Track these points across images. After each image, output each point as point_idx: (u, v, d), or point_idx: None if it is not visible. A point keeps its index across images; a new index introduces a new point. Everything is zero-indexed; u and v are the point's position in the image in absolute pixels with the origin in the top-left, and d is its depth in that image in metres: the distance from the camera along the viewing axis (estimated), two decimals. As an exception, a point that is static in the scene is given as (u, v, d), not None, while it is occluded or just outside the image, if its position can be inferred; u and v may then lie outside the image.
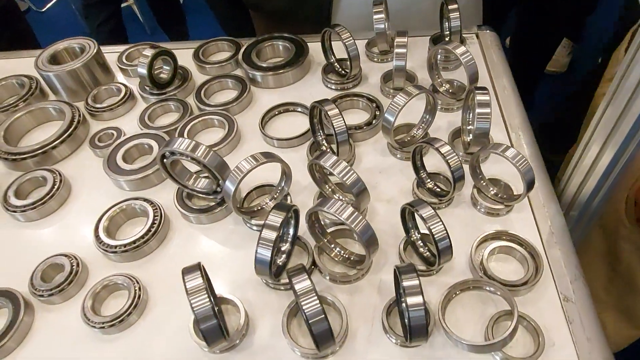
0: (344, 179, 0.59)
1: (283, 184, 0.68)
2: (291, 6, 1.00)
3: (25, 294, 0.62)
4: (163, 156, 0.66)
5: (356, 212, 0.54)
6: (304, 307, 0.46)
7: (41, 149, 0.80)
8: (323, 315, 0.47)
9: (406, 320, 0.50)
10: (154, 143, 0.79)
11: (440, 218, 0.54)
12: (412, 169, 0.70)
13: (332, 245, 0.62)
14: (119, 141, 0.80)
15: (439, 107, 0.80)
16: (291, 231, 0.63)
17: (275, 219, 0.54)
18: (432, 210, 0.54)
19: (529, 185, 0.60)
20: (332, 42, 0.91)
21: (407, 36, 0.79)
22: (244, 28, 1.69)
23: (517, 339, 0.53)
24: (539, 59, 1.76)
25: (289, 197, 0.70)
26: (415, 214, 0.55)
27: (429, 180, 0.69)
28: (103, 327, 0.58)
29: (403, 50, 0.78)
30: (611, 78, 0.72)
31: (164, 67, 0.92)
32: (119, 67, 1.00)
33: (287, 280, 0.59)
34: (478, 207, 0.67)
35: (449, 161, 0.61)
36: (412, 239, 0.62)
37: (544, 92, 2.01)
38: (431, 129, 0.76)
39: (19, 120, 0.86)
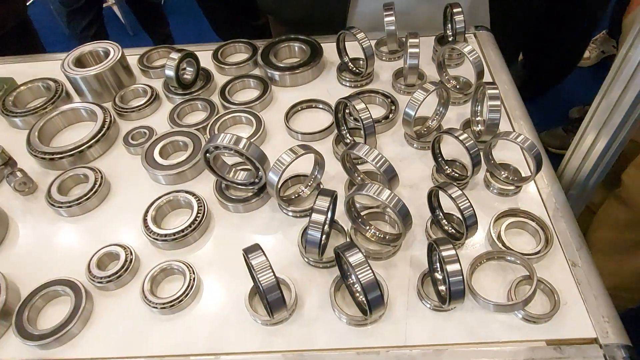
0: (378, 165, 0.66)
1: (316, 173, 0.75)
2: (309, 13, 1.06)
3: (83, 282, 0.67)
4: (207, 151, 0.72)
5: (393, 193, 0.61)
6: (360, 277, 0.53)
7: (77, 149, 0.84)
8: (377, 284, 0.53)
9: (445, 286, 0.57)
10: (187, 140, 0.84)
11: (467, 197, 0.61)
12: (430, 157, 0.77)
13: (366, 227, 0.69)
14: (153, 138, 0.85)
15: (448, 101, 0.88)
16: (330, 215, 0.69)
17: (323, 203, 0.60)
18: (460, 190, 0.62)
19: (538, 166, 0.68)
20: (346, 43, 0.98)
21: (419, 37, 0.86)
22: (237, 32, 1.74)
23: (535, 300, 0.61)
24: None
25: (320, 186, 0.76)
26: (444, 193, 0.63)
27: (446, 166, 0.76)
28: (164, 308, 0.63)
29: (416, 50, 0.85)
30: None
31: (188, 68, 0.97)
32: (140, 69, 1.04)
33: (328, 259, 0.66)
34: (491, 189, 0.75)
35: (468, 147, 0.68)
36: (437, 218, 0.69)
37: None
38: (442, 120, 0.84)
39: (51, 121, 0.90)
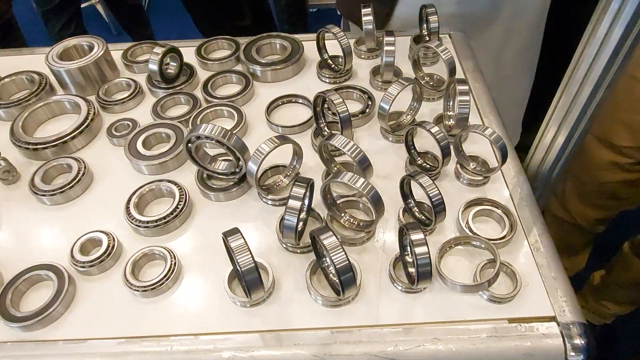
0: (353, 155, 0.70)
1: (295, 163, 0.78)
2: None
3: (66, 267, 0.69)
4: (189, 141, 0.74)
5: (367, 181, 0.65)
6: (334, 259, 0.56)
7: (60, 139, 0.86)
8: (350, 265, 0.57)
9: (414, 267, 0.61)
10: (170, 132, 0.86)
11: (436, 185, 0.65)
12: (404, 150, 0.81)
13: (342, 214, 0.72)
14: (137, 130, 0.87)
15: (422, 97, 0.92)
16: (306, 202, 0.73)
17: (299, 190, 0.64)
18: (430, 179, 0.65)
19: (504, 158, 0.73)
20: (325, 41, 1.01)
21: (395, 36, 0.90)
22: (223, 32, 1.76)
23: (499, 281, 0.65)
24: None
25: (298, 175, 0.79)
26: (415, 182, 0.66)
27: (419, 158, 0.80)
28: (145, 291, 0.66)
29: (392, 48, 0.89)
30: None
31: (171, 63, 0.99)
32: (124, 63, 1.06)
33: (305, 244, 0.69)
34: (461, 180, 0.79)
35: (438, 140, 0.72)
36: (409, 205, 0.73)
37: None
38: (417, 115, 0.88)
39: (35, 112, 0.91)
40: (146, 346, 0.62)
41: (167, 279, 0.66)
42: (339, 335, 0.62)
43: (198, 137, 0.73)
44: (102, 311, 0.66)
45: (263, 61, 1.01)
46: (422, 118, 0.91)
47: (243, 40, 1.08)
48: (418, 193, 0.72)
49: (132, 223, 0.73)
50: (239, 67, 1.06)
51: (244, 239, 0.59)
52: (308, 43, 1.05)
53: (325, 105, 0.86)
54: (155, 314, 0.66)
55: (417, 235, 0.59)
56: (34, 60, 1.07)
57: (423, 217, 0.72)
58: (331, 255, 0.57)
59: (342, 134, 0.78)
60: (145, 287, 0.66)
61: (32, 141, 0.86)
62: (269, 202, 0.78)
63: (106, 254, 0.69)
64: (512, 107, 1.41)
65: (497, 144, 0.72)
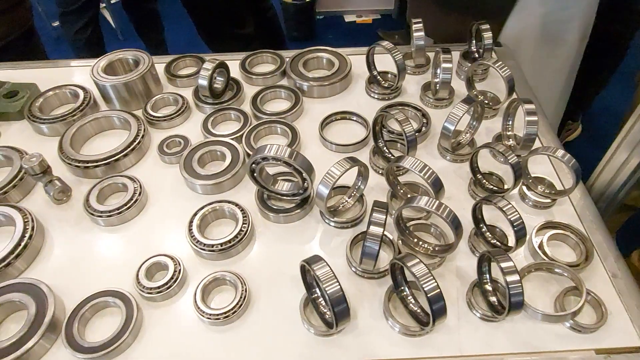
0: (426, 176, 0.68)
1: (359, 184, 0.76)
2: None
3: (132, 294, 0.66)
4: (254, 162, 0.72)
5: (444, 205, 0.63)
6: (425, 287, 0.54)
7: (112, 157, 0.83)
8: (441, 294, 0.55)
9: (495, 296, 0.59)
10: (225, 150, 0.84)
11: (516, 208, 0.63)
12: (463, 170, 0.80)
13: (413, 239, 0.71)
14: (190, 147, 0.84)
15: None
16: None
17: (380, 216, 0.62)
18: (509, 202, 0.64)
19: (578, 179, 0.71)
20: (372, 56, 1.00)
21: (451, 53, 0.89)
22: (225, 39, 1.75)
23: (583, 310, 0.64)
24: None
25: (364, 197, 0.77)
26: (493, 206, 0.65)
27: (484, 180, 0.79)
28: (217, 319, 0.63)
29: (449, 66, 0.88)
30: None
31: (218, 78, 0.97)
32: (167, 77, 1.04)
33: (379, 270, 0.67)
34: (526, 201, 0.78)
35: (512, 163, 0.71)
36: (481, 230, 0.71)
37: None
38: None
39: (82, 128, 0.89)
40: (223, 378, 0.60)
41: (239, 307, 0.64)
42: (423, 366, 0.60)
43: (264, 159, 0.71)
44: (170, 340, 0.64)
45: (310, 76, 1.00)
46: (478, 136, 0.89)
47: (288, 55, 1.06)
48: (487, 216, 0.70)
49: (196, 246, 0.71)
50: (284, 82, 1.04)
51: (329, 266, 0.57)
52: (354, 57, 1.04)
53: (382, 124, 0.84)
54: (227, 343, 0.63)
55: (506, 263, 0.57)
56: (69, 73, 1.05)
57: (496, 241, 0.70)
58: (421, 283, 0.55)
59: (407, 154, 0.77)
60: (217, 315, 0.63)
61: (82, 159, 0.83)
62: (332, 224, 0.76)
63: (173, 280, 0.67)
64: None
65: (571, 166, 0.71)
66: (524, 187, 0.78)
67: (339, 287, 0.55)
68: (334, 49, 1.05)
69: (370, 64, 0.99)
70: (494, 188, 0.78)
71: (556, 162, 0.83)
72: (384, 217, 0.62)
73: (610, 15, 1.34)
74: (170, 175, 0.85)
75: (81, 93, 0.96)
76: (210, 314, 0.63)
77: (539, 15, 1.12)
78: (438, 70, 0.97)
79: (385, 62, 1.00)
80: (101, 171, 0.84)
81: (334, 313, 0.55)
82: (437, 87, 0.94)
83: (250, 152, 0.84)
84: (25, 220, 0.73)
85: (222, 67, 0.95)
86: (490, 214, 0.73)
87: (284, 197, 0.76)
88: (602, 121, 2.21)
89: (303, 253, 0.73)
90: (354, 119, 0.93)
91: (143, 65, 0.96)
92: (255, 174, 0.75)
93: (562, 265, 0.66)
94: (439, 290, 0.55)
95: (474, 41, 1.02)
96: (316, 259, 0.58)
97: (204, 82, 0.92)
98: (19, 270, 0.71)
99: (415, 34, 0.97)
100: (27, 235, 0.72)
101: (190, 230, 0.72)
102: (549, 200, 0.76)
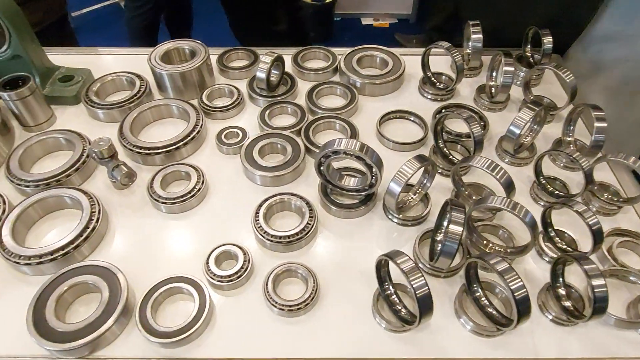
0: (498, 176, 0.68)
1: (425, 181, 0.76)
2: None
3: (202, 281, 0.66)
4: (323, 156, 0.72)
5: (520, 204, 0.63)
6: (511, 286, 0.54)
7: (173, 146, 0.83)
8: (528, 296, 0.55)
9: (569, 301, 0.59)
10: (285, 143, 0.84)
11: (593, 212, 0.63)
12: (523, 173, 0.81)
13: (483, 240, 0.70)
14: (250, 139, 0.84)
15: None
16: (445, 223, 0.71)
17: (459, 215, 0.61)
18: (585, 206, 0.63)
19: (648, 188, 0.71)
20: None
21: (514, 57, 0.89)
22: (258, 35, 1.76)
23: (655, 317, 0.64)
24: None
25: (427, 195, 0.77)
26: (570, 209, 0.64)
27: (548, 185, 0.78)
28: (291, 310, 0.63)
29: (511, 69, 0.88)
30: None
31: (274, 71, 0.97)
32: (220, 68, 1.04)
33: (450, 269, 0.67)
34: (590, 207, 0.77)
35: (585, 169, 0.70)
36: (550, 235, 0.71)
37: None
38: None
39: (142, 115, 0.89)
40: (297, 369, 0.60)
41: (312, 299, 0.64)
42: (498, 367, 0.60)
43: (335, 152, 0.71)
44: (241, 330, 0.64)
45: (366, 73, 1.00)
46: (536, 141, 0.89)
47: (340, 51, 1.06)
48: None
49: (263, 237, 0.70)
50: (335, 78, 1.04)
51: (413, 261, 0.57)
52: (407, 57, 1.04)
53: (444, 122, 0.84)
54: (296, 335, 0.63)
55: (591, 266, 0.57)
56: (115, 60, 1.06)
57: (564, 245, 0.70)
58: (508, 282, 0.54)
59: (474, 153, 0.77)
60: (290, 306, 0.63)
61: (143, 145, 0.83)
62: (395, 220, 0.76)
63: (244, 269, 0.67)
64: None
65: (641, 174, 0.71)
66: (589, 194, 0.78)
67: (424, 281, 0.55)
68: (387, 49, 1.05)
69: (425, 65, 0.99)
70: (559, 193, 0.77)
71: (617, 170, 0.83)
72: (464, 216, 0.62)
73: None
74: (229, 165, 0.85)
75: (137, 81, 0.96)
76: (282, 305, 0.63)
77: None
78: (494, 73, 0.97)
79: (441, 63, 1.00)
80: (160, 159, 0.84)
81: (419, 308, 0.55)
82: (494, 90, 0.94)
83: (310, 146, 0.84)
84: (92, 204, 0.73)
85: (279, 61, 0.95)
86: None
87: (349, 193, 0.76)
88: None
89: (367, 249, 0.73)
90: (412, 118, 0.93)
91: (200, 56, 0.96)
92: (322, 168, 0.74)
93: (638, 273, 0.65)
94: (525, 290, 0.55)
95: (529, 46, 1.02)
96: (398, 253, 0.58)
97: (262, 74, 0.92)
98: (83, 255, 0.71)
99: (473, 36, 0.97)
100: (95, 218, 0.72)
101: (256, 220, 0.72)
102: (614, 208, 0.76)
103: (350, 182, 0.76)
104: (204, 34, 3.13)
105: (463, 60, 1.04)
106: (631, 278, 0.66)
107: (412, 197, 0.76)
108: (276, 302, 0.63)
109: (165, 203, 0.75)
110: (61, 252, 0.67)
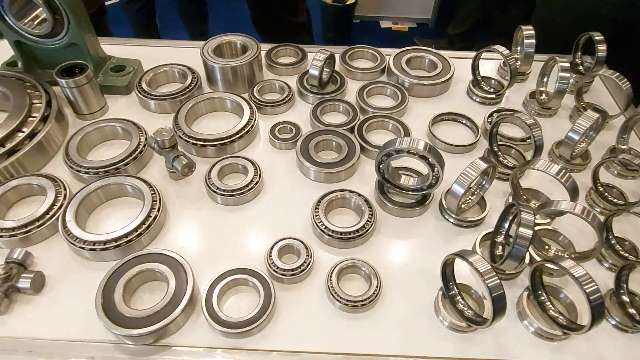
0: (564, 179, 0.68)
1: (484, 183, 0.76)
2: None
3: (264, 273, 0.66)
4: (385, 155, 0.72)
5: (587, 208, 0.63)
6: (587, 290, 0.54)
7: (228, 138, 0.84)
8: (603, 300, 0.55)
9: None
10: (340, 140, 0.84)
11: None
12: (578, 180, 0.79)
13: (545, 246, 0.70)
14: (306, 134, 0.85)
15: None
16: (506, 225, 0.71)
17: (529, 217, 0.61)
18: (656, 216, 0.63)
19: None
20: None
21: (569, 62, 0.89)
22: (277, 27, 1.76)
23: None
24: None
25: (484, 198, 0.77)
26: (636, 215, 0.64)
27: (605, 192, 0.78)
28: (355, 306, 0.63)
29: (567, 75, 0.87)
30: None
31: (325, 69, 0.97)
32: (268, 64, 1.04)
33: (511, 272, 0.67)
34: (645, 217, 0.77)
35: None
36: (610, 242, 0.71)
37: None
38: (587, 145, 0.87)
39: (196, 107, 0.90)
40: (363, 365, 0.60)
41: (375, 296, 0.64)
42: (563, 371, 0.60)
43: (398, 151, 0.71)
44: (304, 323, 0.64)
45: (416, 74, 1.00)
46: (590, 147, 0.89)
47: (387, 52, 1.07)
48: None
49: (323, 231, 0.71)
50: (383, 78, 1.04)
51: (486, 260, 0.57)
52: (455, 61, 1.04)
53: (497, 125, 0.84)
54: (359, 330, 0.63)
55: (663, 275, 0.57)
56: (162, 52, 1.06)
57: (625, 253, 0.70)
58: (584, 287, 0.54)
59: (534, 157, 0.77)
60: (355, 302, 0.63)
61: (198, 136, 0.84)
62: (451, 220, 0.76)
63: (306, 264, 0.67)
64: None
65: None
66: (645, 202, 0.77)
67: (499, 282, 0.55)
68: (436, 51, 1.05)
69: (476, 68, 0.99)
70: (616, 200, 0.77)
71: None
72: (533, 218, 0.62)
73: None
74: (282, 160, 0.85)
75: (189, 74, 0.97)
76: (347, 300, 0.63)
77: None
78: (545, 79, 0.97)
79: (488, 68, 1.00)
80: (212, 151, 0.84)
81: (494, 308, 0.55)
82: (546, 96, 0.94)
83: (364, 144, 0.84)
84: (153, 193, 0.74)
85: (331, 59, 0.96)
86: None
87: (408, 193, 0.76)
88: None
89: (425, 248, 0.73)
90: (463, 121, 0.93)
91: (252, 51, 0.97)
92: (381, 167, 0.75)
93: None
94: (601, 295, 0.55)
95: (579, 53, 1.02)
96: (470, 252, 0.58)
97: (315, 72, 0.92)
98: (141, 245, 0.71)
99: (526, 41, 0.97)
100: (156, 208, 0.72)
101: (316, 215, 0.73)
102: (672, 217, 0.76)
103: (410, 181, 0.76)
104: (222, 26, 3.15)
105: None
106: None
107: (470, 199, 0.76)
108: (341, 297, 0.64)
109: (223, 195, 0.76)
110: (125, 240, 0.68)
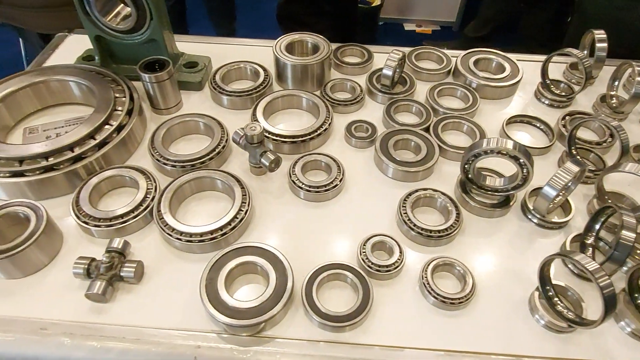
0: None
1: (570, 184, 0.76)
2: None
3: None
4: (473, 156, 0.73)
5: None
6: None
7: (306, 136, 0.85)
8: None
9: None
10: (418, 139, 0.85)
11: None
12: None
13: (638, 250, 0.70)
14: (384, 133, 0.86)
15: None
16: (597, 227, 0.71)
17: (632, 221, 0.62)
18: None
19: None
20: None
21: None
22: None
23: None
24: None
25: (568, 200, 0.77)
26: None
27: (686, 195, 0.78)
28: (453, 304, 0.64)
29: (644, 79, 0.88)
30: None
31: (396, 69, 0.98)
32: (335, 62, 1.05)
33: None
34: None
35: None
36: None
37: None
38: None
39: (273, 103, 0.91)
40: (466, 362, 0.61)
41: (472, 294, 0.65)
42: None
43: (486, 152, 0.72)
44: (399, 319, 0.65)
45: (484, 76, 1.00)
46: (661, 153, 0.89)
47: (454, 54, 1.07)
48: None
49: (412, 229, 0.71)
50: (449, 80, 1.05)
51: (594, 259, 0.57)
52: (524, 63, 1.05)
53: (576, 129, 0.85)
54: (454, 327, 0.64)
55: None
56: (229, 50, 1.08)
57: None
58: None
59: (620, 159, 0.77)
60: (452, 299, 0.64)
61: (278, 132, 0.85)
62: (534, 221, 0.76)
63: (400, 261, 0.68)
64: None
65: None
66: None
67: (610, 280, 0.56)
68: (504, 53, 1.06)
69: (546, 71, 1.00)
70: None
71: None
72: (635, 222, 0.62)
73: None
74: (358, 158, 0.86)
75: (261, 71, 0.98)
76: (444, 297, 0.64)
77: None
78: (616, 82, 0.97)
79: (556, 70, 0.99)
80: (288, 148, 0.85)
81: (605, 307, 0.55)
82: (617, 100, 0.94)
83: (441, 145, 0.85)
84: (242, 187, 0.75)
85: (403, 59, 0.97)
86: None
87: (495, 194, 0.77)
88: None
89: (511, 247, 0.74)
90: (537, 124, 0.93)
91: (323, 50, 0.98)
92: (466, 167, 0.75)
93: None
94: None
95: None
96: (576, 252, 0.58)
97: (388, 72, 0.93)
98: (234, 238, 0.72)
99: (598, 45, 0.97)
100: (247, 202, 0.73)
101: (403, 212, 0.73)
102: None
103: (496, 182, 0.77)
104: (248, 26, 3.17)
105: (577, 68, 1.04)
106: None
107: (555, 201, 0.77)
108: (437, 294, 0.64)
109: (309, 191, 0.77)
110: (220, 233, 0.69)
